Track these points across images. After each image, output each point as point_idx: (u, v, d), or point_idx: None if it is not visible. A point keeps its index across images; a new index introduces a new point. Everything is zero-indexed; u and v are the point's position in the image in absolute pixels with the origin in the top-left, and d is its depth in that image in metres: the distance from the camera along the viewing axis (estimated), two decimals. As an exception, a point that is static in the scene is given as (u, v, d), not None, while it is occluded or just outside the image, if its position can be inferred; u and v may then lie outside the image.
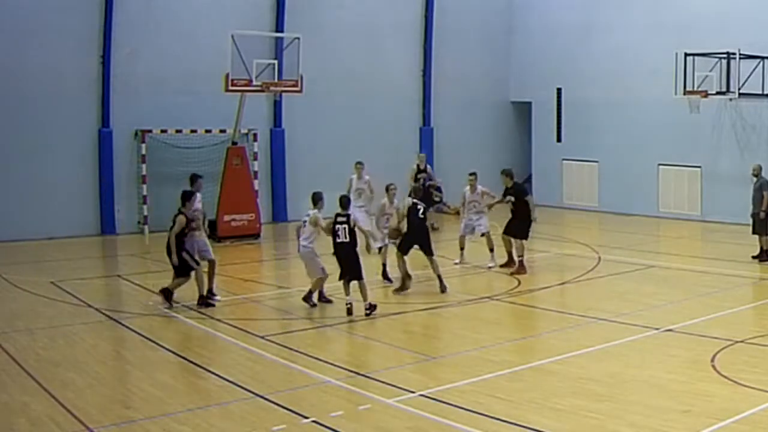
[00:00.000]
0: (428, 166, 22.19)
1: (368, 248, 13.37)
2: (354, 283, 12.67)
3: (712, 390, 8.97)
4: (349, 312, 12.44)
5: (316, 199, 12.90)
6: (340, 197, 13.03)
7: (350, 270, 12.69)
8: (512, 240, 16.25)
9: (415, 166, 21.76)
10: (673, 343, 11.02)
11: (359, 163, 18.66)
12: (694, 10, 23.04)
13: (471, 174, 17.43)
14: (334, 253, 12.85)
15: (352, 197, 18.13)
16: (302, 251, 13.00)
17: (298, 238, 13.13)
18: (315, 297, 13.10)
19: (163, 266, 17.00)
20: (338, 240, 12.69)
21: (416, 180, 21.39)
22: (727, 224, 21.58)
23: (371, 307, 12.55)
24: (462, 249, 17.27)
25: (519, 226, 16.17)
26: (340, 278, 12.80)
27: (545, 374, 9.76)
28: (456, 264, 17.05)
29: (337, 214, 12.76)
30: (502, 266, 16.43)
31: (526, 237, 16.23)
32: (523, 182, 28.82)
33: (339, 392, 9.29)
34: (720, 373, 9.52)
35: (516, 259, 16.15)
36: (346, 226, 12.66)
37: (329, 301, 13.21)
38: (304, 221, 12.93)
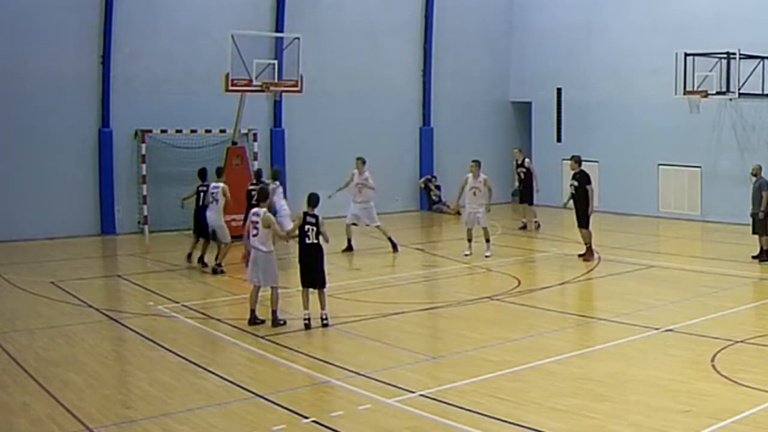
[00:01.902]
0: (527, 160, 22.30)
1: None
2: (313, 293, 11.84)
3: (712, 390, 8.97)
4: (307, 327, 11.68)
5: (316, 202, 12.00)
6: (308, 194, 12.02)
7: (313, 276, 11.84)
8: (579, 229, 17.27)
9: (513, 162, 22.11)
10: (673, 343, 11.02)
11: (360, 158, 18.62)
12: (694, 10, 23.04)
13: (474, 161, 18.14)
14: (300, 256, 12.01)
15: (351, 193, 18.36)
16: (257, 254, 11.86)
17: (247, 238, 12.15)
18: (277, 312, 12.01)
19: (163, 266, 17.13)
20: (307, 242, 11.77)
21: (518, 175, 21.88)
22: (727, 224, 21.58)
23: (327, 319, 11.83)
24: (470, 241, 17.88)
25: (578, 214, 17.18)
26: (303, 285, 11.90)
27: (545, 374, 9.76)
28: (467, 255, 17.57)
29: (306, 213, 11.82)
30: (580, 256, 17.28)
31: (586, 226, 17.16)
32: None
33: (339, 392, 9.29)
34: (720, 373, 9.52)
35: (585, 246, 17.20)
36: (315, 227, 11.74)
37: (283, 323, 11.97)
38: (255, 222, 11.86)
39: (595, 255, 17.25)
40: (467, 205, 17.96)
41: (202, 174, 16.99)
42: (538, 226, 21.75)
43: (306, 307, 11.88)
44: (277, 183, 17.48)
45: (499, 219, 21.69)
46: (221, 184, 16.41)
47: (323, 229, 11.89)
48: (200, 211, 16.62)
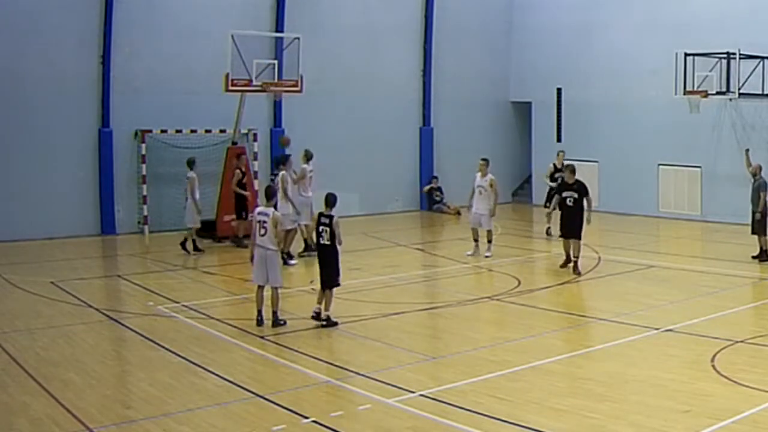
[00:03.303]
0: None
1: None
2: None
3: (712, 390, 8.98)
4: (315, 318, 11.90)
5: (333, 203, 12.02)
6: (326, 195, 12.07)
7: (326, 276, 11.96)
8: (570, 241, 16.13)
9: (552, 165, 20.67)
10: (673, 343, 11.03)
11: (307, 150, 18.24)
12: (694, 9, 23.06)
13: (483, 159, 17.89)
14: (317, 257, 12.30)
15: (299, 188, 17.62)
16: (266, 254, 11.86)
17: (253, 236, 12.03)
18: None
19: (163, 266, 17.14)
20: (320, 242, 11.98)
21: (553, 180, 20.06)
22: (727, 224, 21.59)
23: (328, 320, 11.85)
24: (476, 241, 17.70)
25: (575, 226, 16.00)
26: (321, 287, 12.09)
27: (545, 374, 9.76)
28: (469, 255, 17.46)
29: (321, 214, 12.00)
30: (561, 266, 16.26)
31: (579, 237, 16.09)
32: (522, 183, 29.04)
33: (339, 392, 9.30)
34: (720, 373, 9.52)
35: (570, 255, 16.10)
36: (328, 228, 11.81)
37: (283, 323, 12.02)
38: (263, 221, 11.85)
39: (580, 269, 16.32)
40: (474, 204, 17.68)
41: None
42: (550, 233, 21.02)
43: (319, 302, 12.01)
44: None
45: (499, 219, 21.64)
46: (282, 172, 17.03)
47: (338, 230, 11.85)
48: None
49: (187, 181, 18.61)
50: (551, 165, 20.84)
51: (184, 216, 18.75)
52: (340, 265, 12.16)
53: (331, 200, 12.00)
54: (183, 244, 18.45)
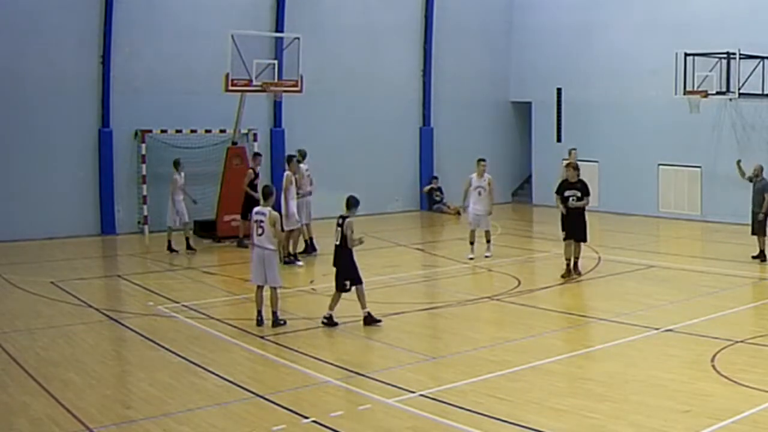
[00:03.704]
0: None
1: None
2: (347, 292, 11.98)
3: (712, 390, 8.98)
4: (327, 324, 11.89)
5: (350, 204, 12.13)
6: (347, 197, 12.22)
7: (337, 276, 12.07)
8: (574, 243, 15.61)
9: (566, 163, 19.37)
10: (673, 343, 11.03)
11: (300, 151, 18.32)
12: (694, 10, 23.06)
13: (481, 159, 17.80)
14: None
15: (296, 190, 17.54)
16: (263, 253, 11.98)
17: (252, 236, 12.19)
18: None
19: (163, 266, 17.14)
20: (335, 242, 12.20)
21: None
22: (727, 224, 21.58)
23: (329, 320, 11.87)
24: (472, 243, 17.58)
25: (581, 227, 15.58)
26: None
27: (545, 374, 9.76)
28: (470, 259, 17.34)
29: (340, 215, 12.16)
30: (563, 277, 15.50)
31: (586, 239, 15.83)
32: (522, 183, 29.05)
33: (339, 392, 9.30)
34: (720, 373, 9.52)
35: (572, 261, 15.62)
36: (340, 229, 11.99)
37: (282, 323, 12.07)
38: (260, 221, 11.97)
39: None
40: (471, 205, 17.58)
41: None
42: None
43: (330, 305, 11.97)
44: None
45: (499, 219, 21.67)
46: (286, 173, 17.06)
47: (348, 232, 11.91)
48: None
49: (177, 180, 18.56)
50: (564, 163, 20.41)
51: (182, 216, 18.69)
52: (357, 268, 12.07)
53: (351, 202, 12.17)
54: (169, 247, 18.43)
